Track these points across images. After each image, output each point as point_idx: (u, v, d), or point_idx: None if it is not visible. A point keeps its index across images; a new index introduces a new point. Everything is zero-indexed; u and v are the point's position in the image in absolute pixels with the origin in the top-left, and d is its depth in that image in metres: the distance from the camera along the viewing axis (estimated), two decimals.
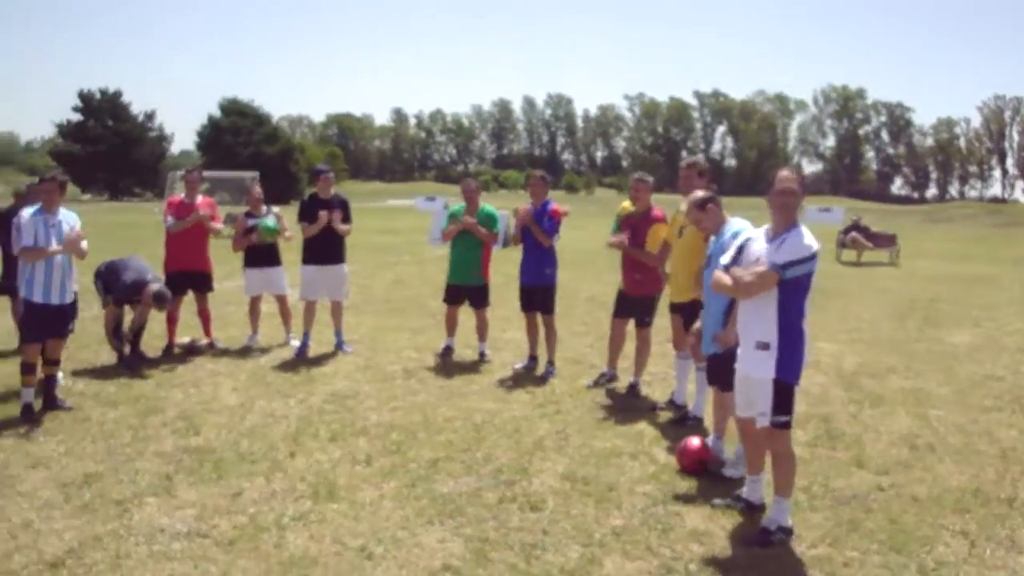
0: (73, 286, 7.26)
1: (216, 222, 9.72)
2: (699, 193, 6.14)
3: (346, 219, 9.52)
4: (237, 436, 6.58)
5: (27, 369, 7.05)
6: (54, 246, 6.96)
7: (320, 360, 9.24)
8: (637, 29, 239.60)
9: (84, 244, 7.19)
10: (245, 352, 9.58)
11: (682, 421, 7.17)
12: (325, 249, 9.47)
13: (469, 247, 9.36)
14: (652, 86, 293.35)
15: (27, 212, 7.06)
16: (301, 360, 9.21)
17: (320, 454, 6.20)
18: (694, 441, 6.03)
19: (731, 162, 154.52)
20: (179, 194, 9.95)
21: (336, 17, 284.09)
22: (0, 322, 10.33)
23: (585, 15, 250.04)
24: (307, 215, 9.42)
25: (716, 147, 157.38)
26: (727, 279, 4.90)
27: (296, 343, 9.76)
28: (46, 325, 7.09)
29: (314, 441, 6.50)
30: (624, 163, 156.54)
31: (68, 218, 7.17)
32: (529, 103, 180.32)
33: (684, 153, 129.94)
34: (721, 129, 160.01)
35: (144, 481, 5.62)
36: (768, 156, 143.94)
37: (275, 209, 10.02)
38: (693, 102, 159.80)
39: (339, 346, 9.69)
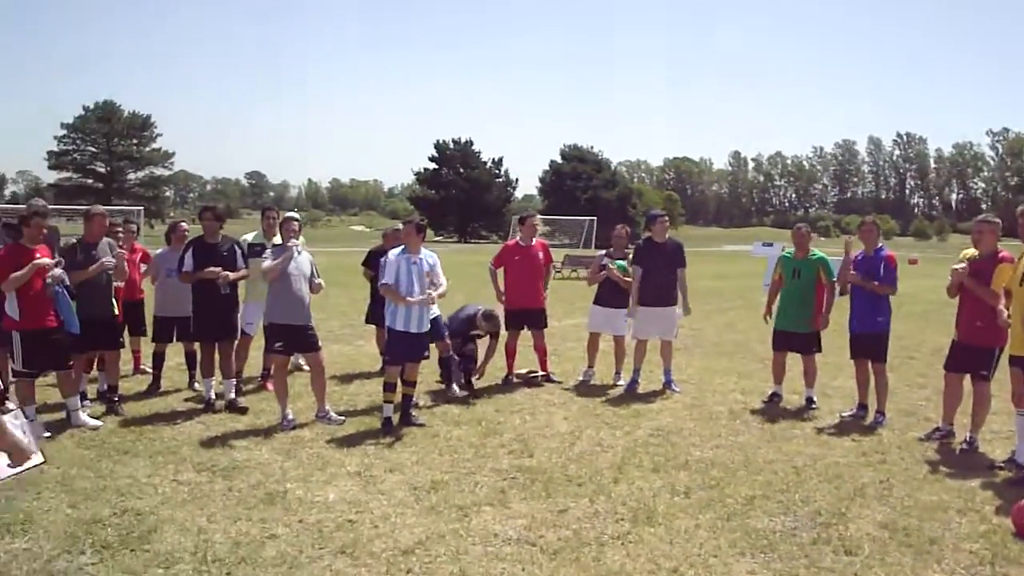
0: (427, 317, 8.17)
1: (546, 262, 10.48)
2: None
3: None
4: (566, 460, 7.09)
5: (388, 388, 8.05)
6: (415, 284, 7.91)
7: (648, 396, 9.61)
8: (999, 57, 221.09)
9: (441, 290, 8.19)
10: (578, 385, 10.16)
11: (1022, 482, 6.71)
12: (659, 291, 9.87)
13: (800, 293, 9.26)
14: (1019, 120, 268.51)
15: (394, 252, 8.10)
16: (630, 395, 9.63)
17: (642, 482, 6.53)
18: None
19: None
20: (514, 239, 10.80)
21: (674, 62, 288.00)
22: (367, 348, 11.73)
23: (939, 46, 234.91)
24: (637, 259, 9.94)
25: None
26: None
27: (623, 381, 10.21)
28: (406, 351, 8.05)
29: (637, 470, 6.84)
30: (983, 206, 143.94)
31: (428, 257, 8.14)
32: (875, 144, 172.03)
33: None
34: None
35: (482, 492, 6.25)
36: None
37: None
38: None
39: (667, 384, 9.99)
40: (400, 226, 11.23)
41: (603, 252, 10.74)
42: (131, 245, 9.81)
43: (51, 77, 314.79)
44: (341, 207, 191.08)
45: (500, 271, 10.55)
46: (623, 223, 12.36)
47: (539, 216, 10.91)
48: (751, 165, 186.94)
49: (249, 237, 9.63)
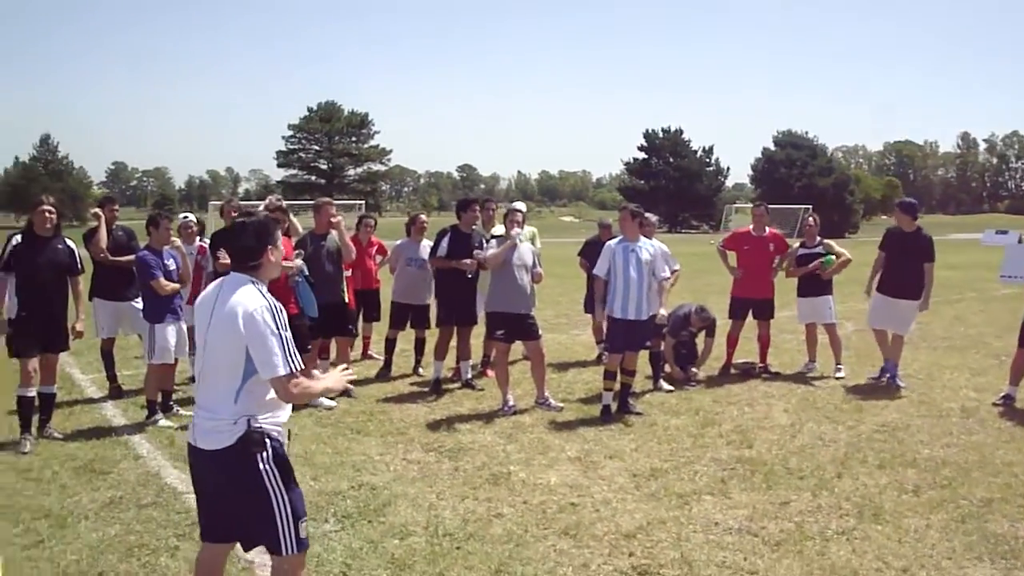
0: (646, 305, 8.24)
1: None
2: None
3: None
4: (787, 453, 7.00)
5: (608, 376, 8.20)
6: (631, 272, 8.02)
7: (871, 391, 9.30)
8: None
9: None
10: (798, 377, 9.97)
11: None
12: (903, 282, 9.54)
13: None
14: None
15: (612, 241, 8.24)
16: (852, 389, 9.35)
17: (867, 478, 6.36)
18: None
19: None
20: (746, 226, 10.68)
21: (891, 38, 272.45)
22: (582, 338, 11.94)
23: None
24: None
25: None
26: None
27: (842, 373, 9.93)
28: (626, 339, 8.17)
29: (862, 466, 6.66)
30: None
31: (647, 246, 8.23)
32: None
33: None
34: None
35: (702, 481, 6.29)
36: None
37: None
38: None
39: (891, 379, 9.62)
40: (608, 220, 11.50)
41: (797, 244, 10.48)
42: (368, 238, 10.47)
43: (279, 79, 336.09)
44: (550, 198, 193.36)
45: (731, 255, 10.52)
46: (843, 215, 11.97)
47: (765, 205, 10.69)
48: (982, 147, 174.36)
49: (497, 230, 9.97)
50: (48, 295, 7.35)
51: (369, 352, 11.16)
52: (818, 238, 10.32)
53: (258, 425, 3.55)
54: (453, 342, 9.38)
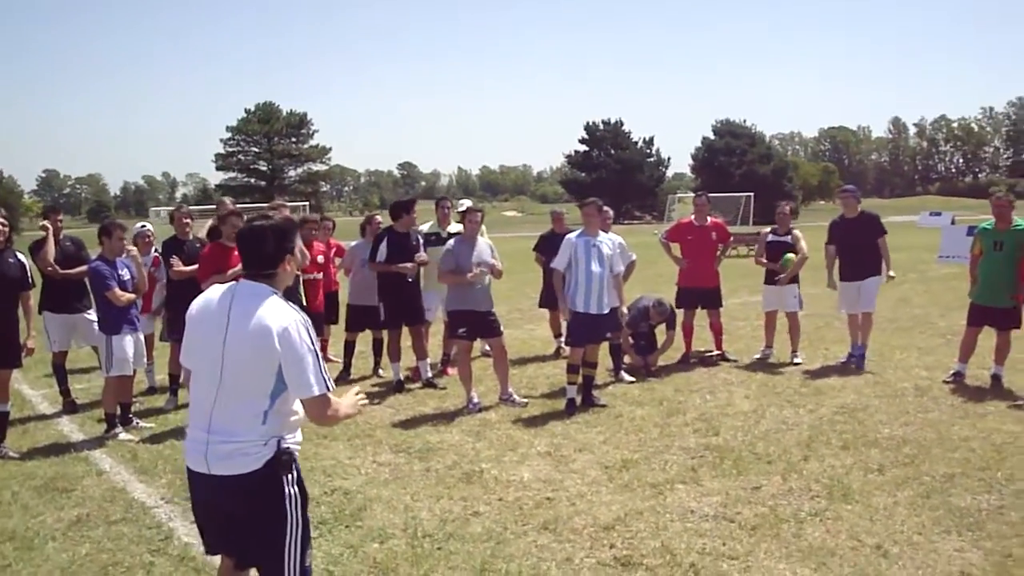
0: (607, 299, 8.29)
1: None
2: None
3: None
4: (753, 438, 7.12)
5: (571, 369, 8.25)
6: (593, 265, 8.07)
7: (827, 374, 9.48)
8: None
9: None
10: (755, 364, 10.14)
11: None
12: (859, 265, 9.83)
13: (1001, 266, 8.73)
14: None
15: (572, 235, 8.28)
16: (809, 373, 9.53)
17: (833, 460, 6.50)
18: None
19: None
20: (688, 216, 10.80)
21: (824, 25, 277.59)
22: (538, 332, 11.98)
23: None
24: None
25: None
26: None
27: (799, 359, 10.12)
28: (587, 332, 8.22)
29: (826, 448, 6.80)
30: None
31: (607, 240, 8.29)
32: None
33: None
34: None
35: (673, 470, 6.37)
36: None
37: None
38: None
39: (859, 360, 9.82)
40: (559, 209, 11.61)
41: (768, 230, 10.62)
42: (327, 241, 10.40)
43: (214, 83, 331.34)
44: (492, 193, 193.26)
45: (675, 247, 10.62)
46: (783, 199, 12.20)
47: (705, 195, 10.85)
48: (912, 131, 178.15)
49: (424, 228, 9.99)
50: None
51: (327, 355, 11.09)
52: (790, 226, 10.44)
53: (287, 446, 3.35)
54: (407, 343, 9.36)
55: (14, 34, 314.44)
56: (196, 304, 3.50)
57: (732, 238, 10.67)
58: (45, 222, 8.97)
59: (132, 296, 7.89)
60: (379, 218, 10.38)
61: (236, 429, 3.28)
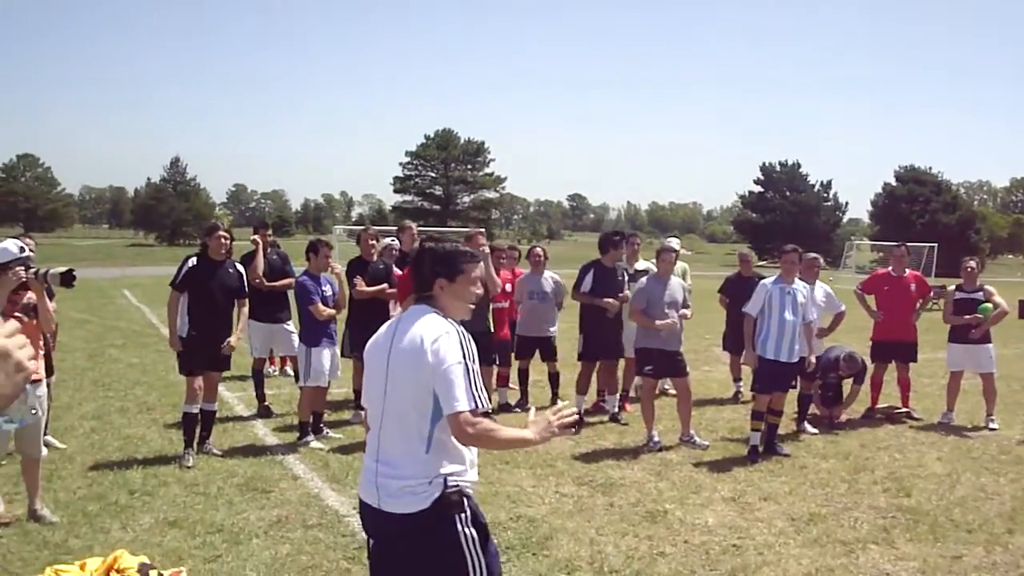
0: (797, 347, 8.14)
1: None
2: None
3: None
4: (949, 504, 6.81)
5: (756, 416, 8.15)
6: (787, 313, 7.98)
7: None
8: None
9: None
10: (945, 425, 9.68)
11: None
12: None
13: None
14: None
15: (768, 281, 8.21)
16: (1006, 440, 9.03)
17: None
18: None
19: None
20: (886, 267, 10.48)
21: (1015, 73, 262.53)
22: (715, 374, 11.83)
23: None
24: None
25: None
26: None
27: (995, 424, 9.57)
28: (776, 380, 8.11)
29: None
30: None
31: (803, 288, 8.18)
32: None
33: None
34: None
35: (864, 529, 6.18)
36: None
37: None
38: None
39: None
40: (747, 252, 11.52)
41: (953, 287, 10.11)
42: (513, 269, 10.53)
43: (395, 109, 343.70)
44: (660, 229, 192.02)
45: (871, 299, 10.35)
46: (968, 251, 11.64)
47: (905, 246, 10.53)
48: None
49: (641, 265, 9.97)
50: (218, 317, 7.71)
51: (508, 383, 11.28)
52: (978, 282, 9.93)
53: (455, 484, 3.15)
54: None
55: (210, 52, 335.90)
56: (373, 339, 3.44)
57: (932, 292, 10.23)
58: (255, 236, 9.57)
59: (333, 312, 8.31)
60: (538, 250, 10.34)
61: (400, 461, 3.17)
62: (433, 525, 3.14)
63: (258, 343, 9.71)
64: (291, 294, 9.25)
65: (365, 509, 3.35)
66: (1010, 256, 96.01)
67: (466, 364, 3.07)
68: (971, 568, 5.51)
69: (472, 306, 3.36)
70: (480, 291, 3.39)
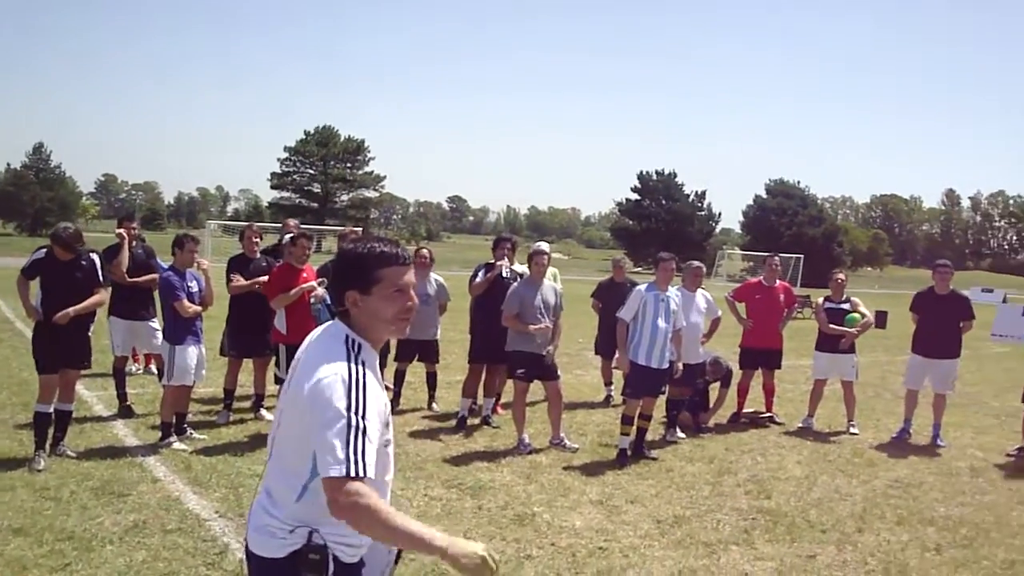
0: (668, 354, 8.29)
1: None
2: None
3: None
4: (805, 505, 7.06)
5: (626, 420, 8.26)
6: (660, 320, 8.12)
7: (879, 446, 9.38)
8: None
9: None
10: (806, 429, 10.03)
11: None
12: (940, 342, 9.77)
13: None
14: None
15: (642, 288, 8.34)
16: (861, 444, 9.44)
17: (888, 534, 6.42)
18: None
19: None
20: (757, 277, 10.79)
21: (882, 93, 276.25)
22: (587, 378, 11.95)
23: None
24: None
25: None
26: None
27: (856, 429, 9.99)
28: (646, 385, 8.23)
29: (881, 522, 6.72)
30: None
31: (675, 296, 8.37)
32: None
33: None
34: None
35: (726, 530, 6.33)
36: None
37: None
38: None
39: (935, 439, 9.71)
40: (621, 258, 11.69)
41: (823, 300, 10.50)
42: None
43: (273, 103, 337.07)
44: (538, 233, 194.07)
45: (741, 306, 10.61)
46: (832, 263, 12.16)
47: (777, 256, 10.91)
48: (966, 204, 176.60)
49: (519, 268, 9.83)
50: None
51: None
52: (845, 294, 10.33)
53: (322, 543, 2.58)
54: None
55: (76, 34, 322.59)
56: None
57: (797, 302, 10.60)
58: (120, 230, 9.16)
59: (199, 308, 8.03)
60: (425, 252, 10.13)
61: (276, 494, 2.65)
62: None
63: (119, 340, 9.30)
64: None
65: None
66: (869, 268, 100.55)
67: (349, 419, 2.41)
68: (824, 567, 5.71)
69: (401, 323, 2.69)
70: (413, 302, 2.72)
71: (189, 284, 8.01)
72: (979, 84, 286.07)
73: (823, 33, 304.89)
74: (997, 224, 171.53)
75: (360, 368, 2.53)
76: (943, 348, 9.70)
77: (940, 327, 9.72)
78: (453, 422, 9.30)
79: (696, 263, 9.27)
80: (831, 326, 10.07)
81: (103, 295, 7.63)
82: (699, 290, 9.24)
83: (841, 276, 10.50)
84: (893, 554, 6.01)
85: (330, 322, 2.76)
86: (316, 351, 2.62)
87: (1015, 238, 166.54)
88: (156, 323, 9.21)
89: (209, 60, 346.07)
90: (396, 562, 2.81)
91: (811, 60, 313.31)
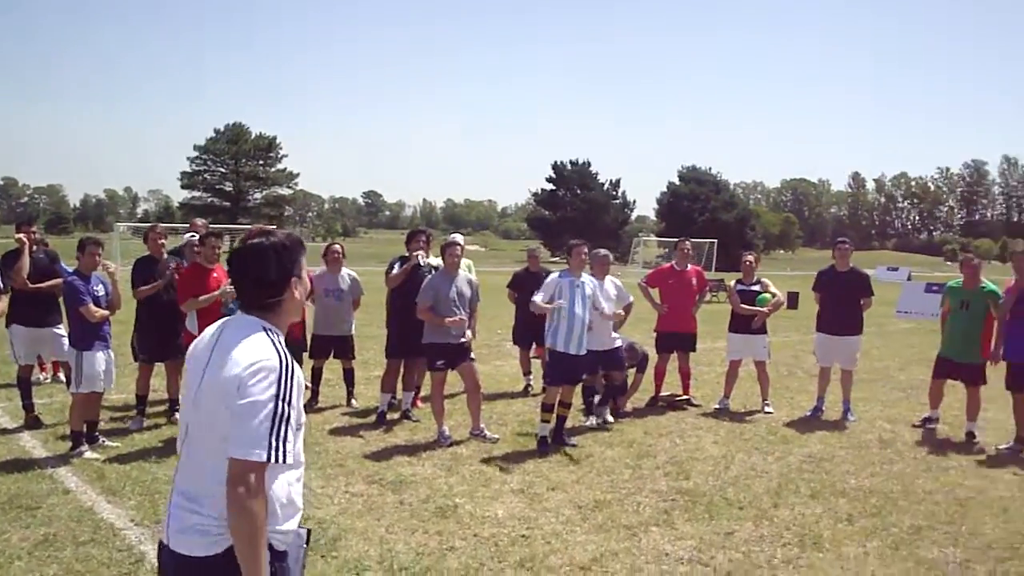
0: (586, 340, 8.35)
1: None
2: None
3: None
4: (723, 483, 7.20)
5: (545, 408, 8.31)
6: (576, 307, 8.17)
7: (792, 423, 9.62)
8: None
9: None
10: (721, 410, 10.22)
11: None
12: (842, 320, 9.98)
13: (967, 324, 9.06)
14: None
15: (555, 275, 8.37)
16: (775, 421, 9.68)
17: (802, 508, 6.59)
18: None
19: None
20: (669, 262, 10.93)
21: (792, 79, 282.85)
22: (506, 368, 11.99)
23: None
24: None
25: None
26: None
27: (771, 408, 10.22)
28: (565, 372, 8.28)
29: (795, 496, 6.89)
30: None
31: (589, 282, 8.42)
32: (1011, 163, 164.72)
33: None
34: None
35: (646, 512, 6.41)
36: None
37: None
38: None
39: (845, 414, 9.97)
40: (535, 248, 11.75)
41: (734, 281, 10.67)
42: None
43: (182, 101, 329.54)
44: (455, 226, 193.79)
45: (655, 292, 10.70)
46: (746, 247, 12.42)
47: (689, 241, 11.06)
48: (871, 186, 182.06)
49: (433, 261, 9.76)
50: None
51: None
52: (755, 276, 10.52)
53: None
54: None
55: None
56: (192, 344, 2.84)
57: (709, 286, 10.78)
58: (20, 235, 8.86)
59: (106, 312, 7.81)
60: (336, 247, 10.08)
61: (198, 494, 2.58)
62: None
63: (23, 350, 8.98)
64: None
65: (159, 549, 2.71)
66: (781, 252, 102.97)
67: (277, 406, 2.47)
68: (741, 542, 5.83)
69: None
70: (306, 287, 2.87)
71: (95, 288, 7.78)
72: (881, 67, 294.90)
73: (729, 19, 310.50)
74: (901, 205, 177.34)
75: (287, 356, 2.59)
76: (845, 325, 9.95)
77: (841, 304, 9.98)
78: (373, 417, 9.21)
79: (603, 251, 9.29)
80: (743, 306, 10.25)
81: (1, 303, 7.37)
82: (608, 277, 9.27)
83: (751, 258, 10.67)
84: (808, 526, 6.16)
85: (235, 315, 2.78)
86: (237, 343, 2.59)
87: (917, 218, 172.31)
88: (62, 329, 8.92)
89: (117, 58, 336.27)
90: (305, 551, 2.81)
91: (720, 45, 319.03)
